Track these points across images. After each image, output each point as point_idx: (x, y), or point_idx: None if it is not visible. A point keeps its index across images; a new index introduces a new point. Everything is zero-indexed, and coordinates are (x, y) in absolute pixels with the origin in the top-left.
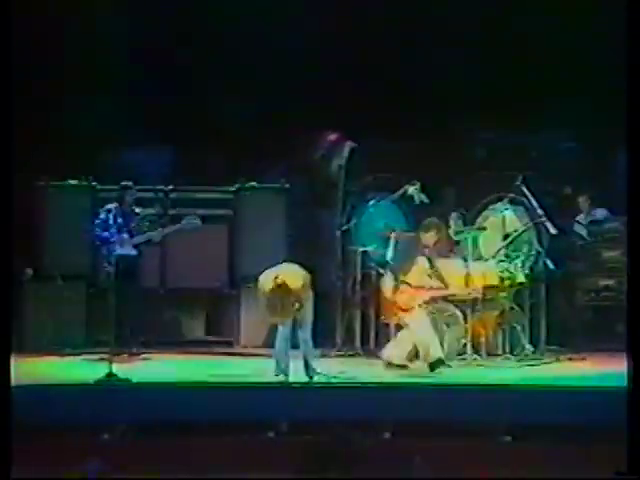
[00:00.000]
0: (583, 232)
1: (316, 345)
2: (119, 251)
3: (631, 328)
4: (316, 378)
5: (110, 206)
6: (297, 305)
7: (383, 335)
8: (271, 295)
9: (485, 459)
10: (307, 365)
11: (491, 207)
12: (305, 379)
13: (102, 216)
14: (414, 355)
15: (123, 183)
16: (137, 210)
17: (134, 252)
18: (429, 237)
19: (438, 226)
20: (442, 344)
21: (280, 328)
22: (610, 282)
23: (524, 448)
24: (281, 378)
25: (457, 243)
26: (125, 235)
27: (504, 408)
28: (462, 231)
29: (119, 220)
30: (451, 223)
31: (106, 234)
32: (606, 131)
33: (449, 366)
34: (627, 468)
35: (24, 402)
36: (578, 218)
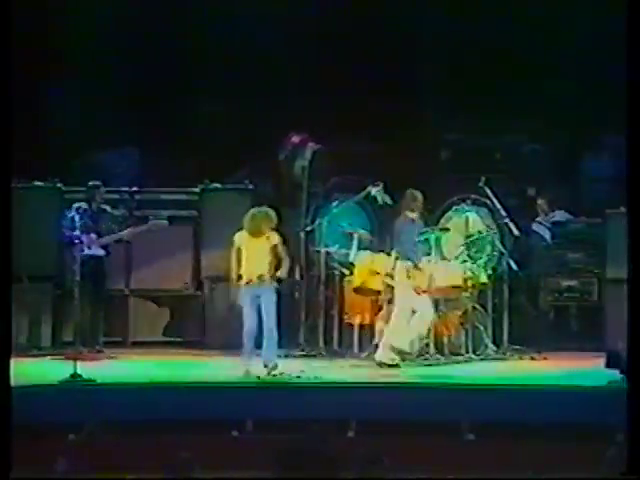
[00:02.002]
0: (546, 234)
1: (280, 345)
2: (87, 251)
3: (631, 328)
4: (276, 372)
5: (78, 206)
6: None
7: (347, 335)
8: None
9: (449, 457)
10: (267, 357)
11: (454, 208)
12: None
13: (70, 216)
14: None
15: (91, 183)
16: (105, 210)
17: (102, 252)
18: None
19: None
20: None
21: (246, 323)
22: (572, 283)
23: (487, 446)
24: (250, 375)
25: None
26: (93, 235)
27: (467, 407)
28: (425, 231)
29: (87, 220)
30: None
31: (74, 234)
32: (569, 133)
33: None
34: (627, 468)
35: None
36: (540, 219)
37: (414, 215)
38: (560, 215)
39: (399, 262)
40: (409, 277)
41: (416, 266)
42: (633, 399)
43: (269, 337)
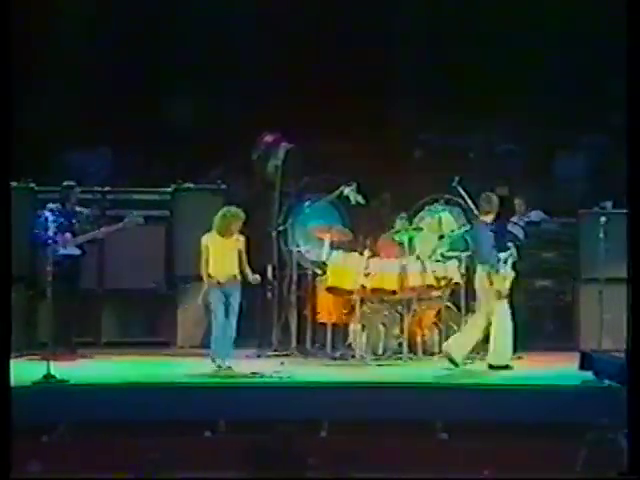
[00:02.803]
0: (520, 233)
1: (253, 344)
2: (62, 251)
3: (631, 328)
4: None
5: (52, 206)
6: None
7: (320, 335)
8: None
9: (422, 456)
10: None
11: (427, 208)
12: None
13: (44, 217)
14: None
15: (65, 183)
16: (79, 210)
17: (77, 251)
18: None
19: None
20: (379, 344)
21: (215, 321)
22: (546, 282)
23: (461, 445)
24: (221, 371)
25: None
26: (68, 235)
27: (440, 406)
28: (399, 231)
29: (61, 220)
30: (398, 224)
31: (49, 235)
32: (542, 133)
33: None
34: (627, 468)
35: None
36: (514, 219)
37: (489, 218)
38: (535, 215)
39: (479, 267)
40: (491, 283)
41: (497, 271)
42: (633, 399)
43: (230, 335)
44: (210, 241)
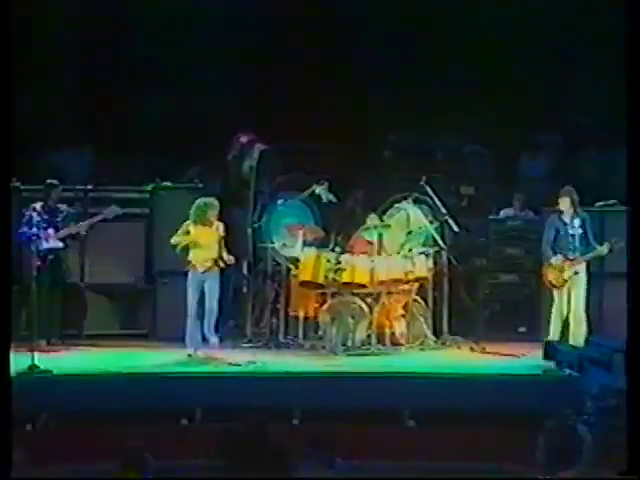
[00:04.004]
0: (487, 230)
1: (227, 336)
2: (46, 245)
3: (631, 328)
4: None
5: (36, 205)
6: None
7: (292, 327)
8: None
9: (391, 442)
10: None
11: (396, 205)
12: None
13: (29, 214)
14: None
15: (48, 182)
16: (61, 207)
17: (60, 245)
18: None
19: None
20: (349, 336)
21: (189, 307)
22: (510, 277)
23: (427, 432)
24: (193, 358)
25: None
26: (51, 230)
27: (408, 395)
28: (369, 228)
29: (45, 217)
30: (368, 222)
31: (33, 231)
32: (507, 134)
33: None
34: (627, 468)
35: None
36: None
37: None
38: (504, 212)
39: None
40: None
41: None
42: (633, 399)
43: (210, 316)
44: (192, 227)
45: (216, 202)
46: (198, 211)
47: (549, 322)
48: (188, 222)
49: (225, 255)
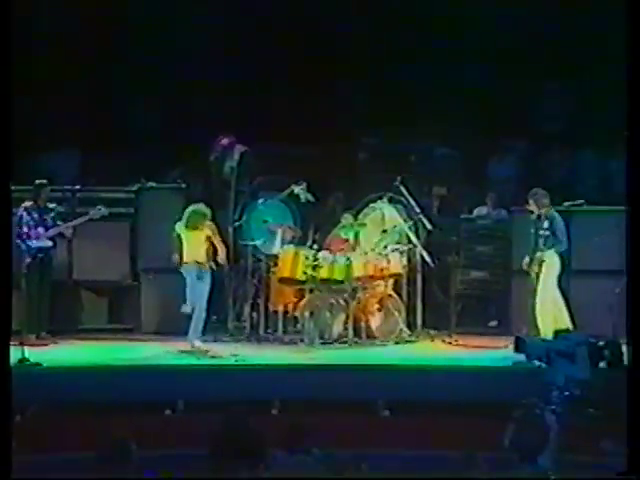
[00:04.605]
0: (459, 228)
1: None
2: (36, 243)
3: (631, 328)
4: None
5: (26, 204)
6: None
7: (272, 321)
8: None
9: (367, 431)
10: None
11: (372, 205)
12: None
13: (19, 214)
14: None
15: (37, 182)
16: (50, 206)
17: (50, 243)
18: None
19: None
20: (326, 330)
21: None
22: (482, 273)
23: (402, 421)
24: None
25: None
26: (40, 229)
27: (383, 386)
28: (345, 227)
29: (34, 216)
30: (343, 221)
31: (23, 230)
32: (476, 138)
33: None
34: (627, 468)
35: None
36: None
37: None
38: (478, 211)
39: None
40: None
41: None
42: (633, 398)
43: (198, 315)
44: (181, 230)
45: (207, 212)
46: (188, 217)
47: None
48: (180, 225)
49: (220, 254)
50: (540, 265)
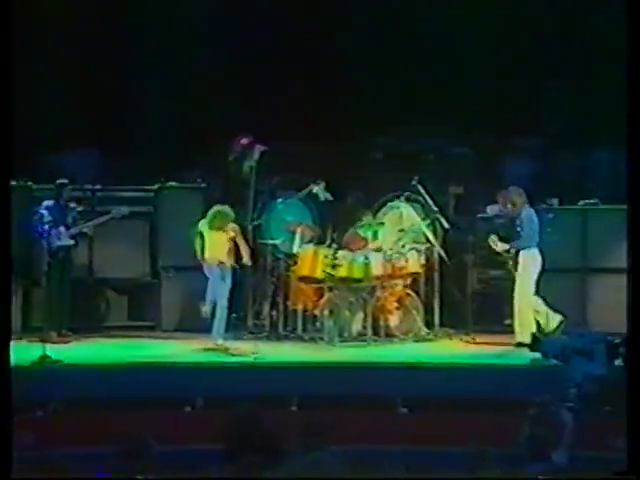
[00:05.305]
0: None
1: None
2: (58, 243)
3: (631, 328)
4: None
5: (47, 203)
6: None
7: (291, 319)
8: None
9: (385, 429)
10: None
11: (390, 204)
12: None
13: (40, 212)
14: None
15: (59, 181)
16: (71, 205)
17: (71, 242)
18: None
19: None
20: (345, 328)
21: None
22: (498, 272)
23: (419, 419)
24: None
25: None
26: (62, 228)
27: (401, 383)
28: (364, 226)
29: (56, 215)
30: (363, 219)
31: (44, 228)
32: (493, 137)
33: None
34: (627, 468)
35: None
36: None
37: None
38: (491, 210)
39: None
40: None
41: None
42: (633, 398)
43: (221, 314)
44: (203, 229)
45: (230, 213)
46: (211, 217)
47: None
48: (203, 223)
49: (245, 257)
50: (516, 263)
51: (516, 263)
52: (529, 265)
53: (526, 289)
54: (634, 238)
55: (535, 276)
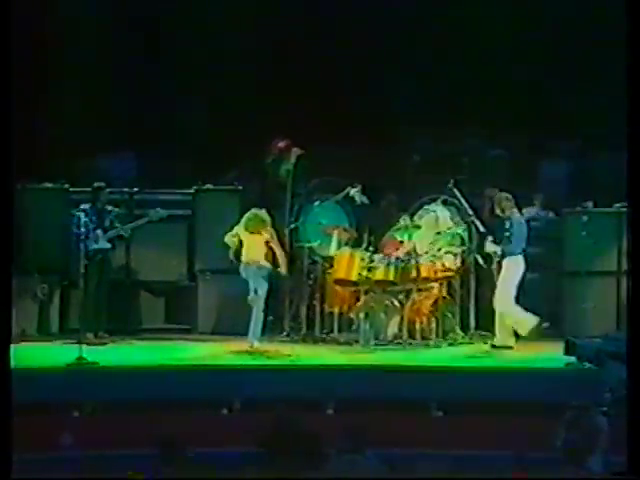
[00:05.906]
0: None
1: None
2: (95, 246)
3: (631, 328)
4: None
5: (84, 206)
6: None
7: (328, 322)
8: None
9: (419, 431)
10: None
11: (425, 207)
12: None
13: (77, 215)
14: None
15: (96, 184)
16: (108, 208)
17: (108, 245)
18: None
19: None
20: (381, 331)
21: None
22: (533, 275)
23: (454, 422)
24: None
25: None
26: (99, 231)
27: (436, 386)
28: (400, 229)
29: (93, 218)
30: (401, 222)
31: (82, 231)
32: (529, 139)
33: None
34: (627, 468)
35: None
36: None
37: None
38: (529, 212)
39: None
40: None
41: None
42: (633, 398)
43: (257, 318)
44: (241, 232)
45: (267, 218)
46: (247, 221)
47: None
48: (240, 227)
49: (281, 265)
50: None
51: (500, 267)
52: (512, 270)
53: (507, 293)
54: (634, 239)
55: (517, 281)
